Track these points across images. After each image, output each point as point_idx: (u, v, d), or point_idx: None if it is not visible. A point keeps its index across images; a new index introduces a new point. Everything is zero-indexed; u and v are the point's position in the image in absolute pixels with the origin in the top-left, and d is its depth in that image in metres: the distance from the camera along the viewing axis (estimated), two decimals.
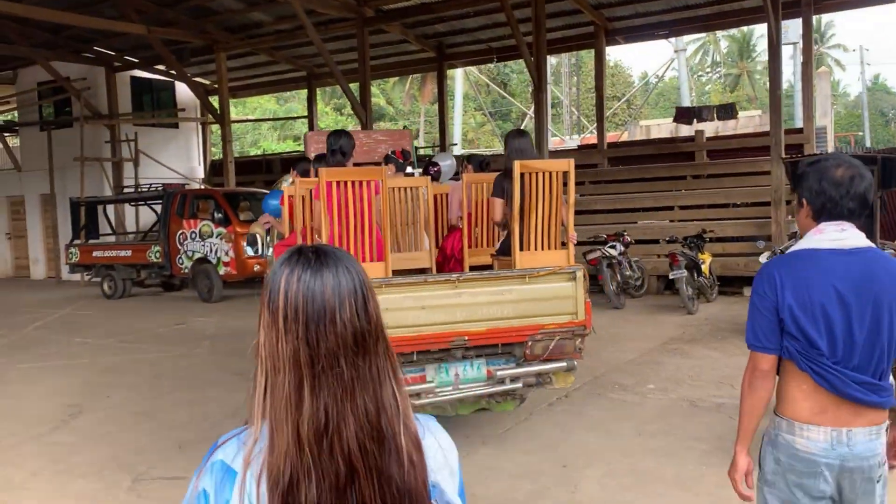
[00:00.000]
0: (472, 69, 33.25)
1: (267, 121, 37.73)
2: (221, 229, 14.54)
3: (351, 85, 16.08)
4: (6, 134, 22.36)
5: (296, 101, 40.17)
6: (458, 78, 33.77)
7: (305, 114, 23.50)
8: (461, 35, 17.74)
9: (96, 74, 20.17)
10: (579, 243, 7.47)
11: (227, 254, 14.44)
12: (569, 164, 5.64)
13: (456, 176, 7.29)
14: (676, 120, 16.71)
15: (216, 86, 19.29)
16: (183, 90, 22.21)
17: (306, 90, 22.01)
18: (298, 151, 25.07)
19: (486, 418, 6.16)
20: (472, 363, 5.46)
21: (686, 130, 17.80)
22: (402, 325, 5.04)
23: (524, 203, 5.54)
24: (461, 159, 7.55)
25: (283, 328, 1.13)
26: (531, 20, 13.94)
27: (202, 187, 20.13)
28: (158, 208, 16.20)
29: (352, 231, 5.24)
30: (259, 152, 33.59)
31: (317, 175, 5.41)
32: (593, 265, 11.83)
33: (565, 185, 5.63)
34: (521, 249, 5.61)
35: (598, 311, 8.91)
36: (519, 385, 5.55)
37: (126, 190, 18.58)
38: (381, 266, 5.33)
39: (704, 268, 11.68)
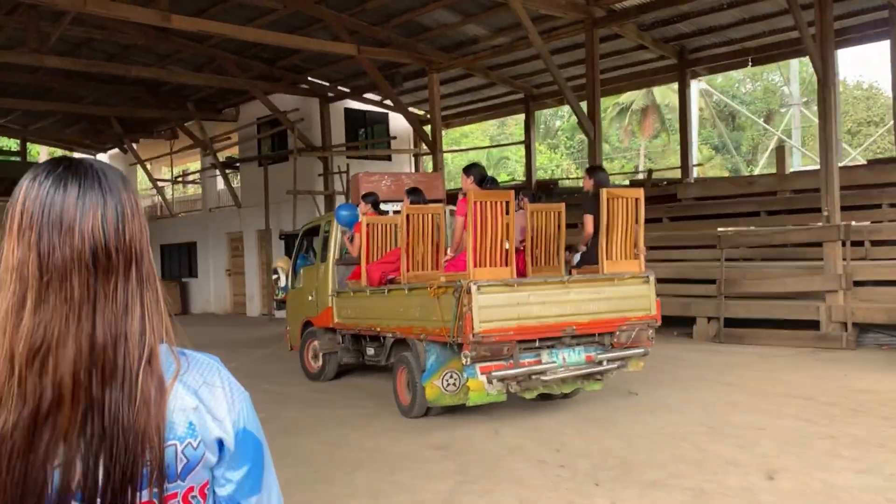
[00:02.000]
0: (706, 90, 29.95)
1: (482, 149, 36.27)
2: None
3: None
4: (228, 171, 22.52)
5: (504, 135, 38.76)
6: (694, 100, 30.48)
7: (520, 139, 21.64)
8: (708, 35, 14.96)
9: (310, 107, 19.62)
10: None
11: None
12: (640, 192, 7.28)
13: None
14: None
15: (429, 115, 17.99)
16: (396, 122, 21.25)
17: (523, 114, 20.11)
18: (513, 180, 23.20)
19: None
20: (574, 349, 6.80)
21: None
22: (528, 316, 6.46)
23: (609, 221, 7.05)
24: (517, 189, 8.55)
25: (17, 237, 1.04)
26: (812, 6, 10.94)
27: None
28: None
29: (487, 242, 6.53)
30: None
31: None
32: None
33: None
34: (608, 258, 7.10)
35: None
36: (612, 366, 6.98)
37: None
38: (507, 270, 6.62)
39: None
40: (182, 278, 24.58)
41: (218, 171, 23.09)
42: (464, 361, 6.40)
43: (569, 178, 27.02)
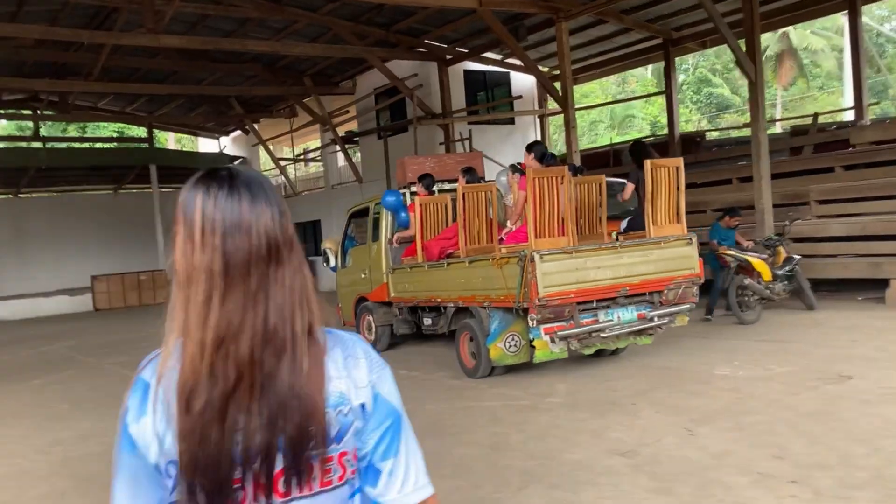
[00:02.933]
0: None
1: (614, 104, 34.18)
2: None
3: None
4: (348, 146, 21.96)
5: (625, 92, 36.51)
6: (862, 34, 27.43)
7: (658, 90, 19.88)
8: None
9: (429, 72, 18.65)
10: None
11: None
12: (679, 161, 7.93)
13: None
14: None
15: (556, 72, 16.63)
16: (518, 83, 19.99)
17: (650, 66, 18.32)
18: (653, 136, 21.46)
19: None
20: (627, 308, 7.42)
21: None
22: (586, 280, 7.09)
23: (653, 189, 7.63)
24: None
25: (201, 241, 1.16)
26: None
27: None
28: None
29: (546, 214, 7.04)
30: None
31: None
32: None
33: None
34: (654, 224, 7.68)
35: None
36: (663, 321, 7.62)
37: None
38: (565, 239, 7.17)
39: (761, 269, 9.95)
40: (308, 257, 24.33)
41: (338, 147, 22.60)
42: (530, 323, 7.07)
43: (716, 130, 24.74)
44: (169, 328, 1.20)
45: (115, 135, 32.49)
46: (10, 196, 27.66)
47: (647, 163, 7.60)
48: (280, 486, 1.17)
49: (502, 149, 18.97)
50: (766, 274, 9.93)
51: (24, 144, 26.51)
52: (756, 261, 10.00)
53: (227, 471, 1.14)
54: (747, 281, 9.92)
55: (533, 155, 8.08)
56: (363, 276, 10.57)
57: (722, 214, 11.16)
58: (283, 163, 25.27)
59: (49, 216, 27.55)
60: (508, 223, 8.30)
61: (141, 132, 28.31)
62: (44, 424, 7.57)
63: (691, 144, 17.11)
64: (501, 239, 7.98)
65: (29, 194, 28.10)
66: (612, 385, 7.00)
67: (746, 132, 18.44)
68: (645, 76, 44.18)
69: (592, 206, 8.36)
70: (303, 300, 1.20)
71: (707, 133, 20.35)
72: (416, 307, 9.46)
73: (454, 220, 8.84)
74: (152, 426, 1.18)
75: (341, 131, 21.88)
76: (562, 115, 21.39)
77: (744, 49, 11.51)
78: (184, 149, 33.64)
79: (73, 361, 12.13)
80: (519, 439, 5.56)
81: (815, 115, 15.12)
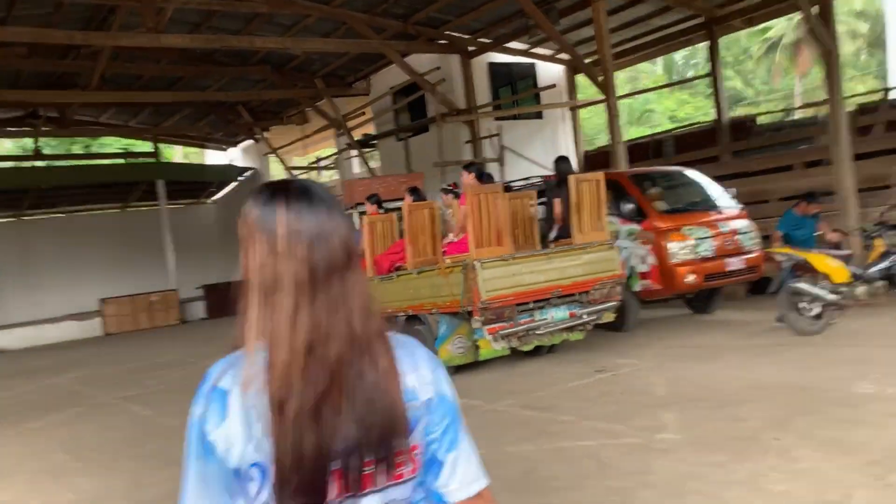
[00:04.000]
0: None
1: (656, 90, 32.62)
2: (632, 226, 10.26)
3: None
4: (365, 150, 20.69)
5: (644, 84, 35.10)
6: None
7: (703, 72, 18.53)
8: None
9: (450, 66, 17.37)
10: None
11: (643, 261, 10.11)
12: (601, 175, 9.09)
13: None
14: None
15: (588, 59, 15.31)
16: (544, 74, 18.70)
17: (707, 42, 16.92)
18: (696, 125, 20.04)
19: None
20: (559, 308, 8.32)
21: None
22: (522, 284, 7.96)
23: (578, 201, 8.68)
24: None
25: (286, 252, 1.21)
26: None
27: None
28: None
29: (485, 227, 7.98)
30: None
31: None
32: None
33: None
34: (580, 232, 8.69)
35: None
36: (592, 318, 8.59)
37: None
38: (502, 248, 8.06)
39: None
40: None
41: (354, 153, 21.37)
42: (475, 325, 7.93)
43: (769, 112, 23.28)
44: (247, 336, 1.22)
45: (120, 151, 31.34)
46: (14, 219, 26.52)
47: (571, 178, 8.87)
48: (366, 481, 1.22)
49: (531, 145, 17.69)
50: (839, 275, 8.28)
51: (25, 164, 25.39)
52: (820, 258, 8.48)
53: (323, 469, 1.19)
54: (802, 284, 8.32)
55: (473, 174, 8.95)
56: None
57: (797, 201, 9.82)
58: (295, 172, 23.99)
59: (55, 238, 26.37)
60: (450, 235, 9.10)
61: (146, 147, 27.13)
62: (37, 484, 6.28)
63: (741, 130, 15.76)
64: (444, 250, 8.76)
65: (33, 216, 26.96)
66: (732, 413, 5.66)
67: (802, 115, 17.13)
68: (655, 71, 42.84)
69: (525, 218, 9.57)
70: (370, 303, 1.28)
71: (758, 117, 18.91)
72: None
73: (401, 236, 9.55)
74: (235, 431, 1.20)
75: (357, 135, 20.62)
76: (590, 108, 20.15)
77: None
78: (191, 162, 32.48)
79: (78, 397, 10.86)
80: (650, 498, 4.22)
81: (886, 90, 13.75)
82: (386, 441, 1.22)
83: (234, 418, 1.20)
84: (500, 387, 7.74)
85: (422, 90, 17.86)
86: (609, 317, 8.92)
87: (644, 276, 10.13)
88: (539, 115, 18.66)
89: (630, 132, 35.69)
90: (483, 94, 17.69)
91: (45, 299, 25.59)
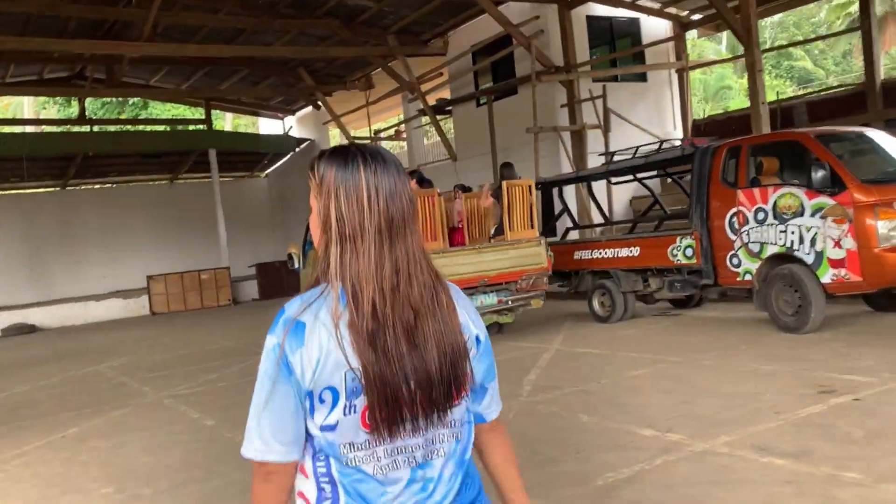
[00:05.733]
0: None
1: (804, 43, 29.24)
2: (823, 200, 7.97)
3: None
4: (439, 117, 18.57)
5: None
6: None
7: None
8: None
9: (546, 17, 15.14)
10: None
11: (837, 243, 7.83)
12: (531, 181, 10.57)
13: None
14: None
15: (709, 11, 12.95)
16: (649, 31, 16.37)
17: None
18: (836, 88, 17.45)
19: None
20: (488, 294, 9.53)
21: None
22: (457, 273, 8.96)
23: (510, 204, 9.91)
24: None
25: (367, 205, 1.37)
26: None
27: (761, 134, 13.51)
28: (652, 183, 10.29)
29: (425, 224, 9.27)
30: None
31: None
32: None
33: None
34: (510, 230, 9.89)
35: None
36: (516, 305, 9.81)
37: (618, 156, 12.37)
38: (437, 243, 9.37)
39: None
40: None
41: (424, 120, 19.30)
42: None
43: None
44: (331, 276, 1.38)
45: (170, 118, 29.70)
46: (57, 189, 25.03)
47: (504, 183, 9.94)
48: (441, 402, 1.39)
49: (633, 110, 15.41)
50: None
51: (71, 129, 23.82)
52: None
53: (411, 392, 1.35)
54: None
55: (415, 180, 9.94)
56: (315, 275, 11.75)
57: None
58: (360, 142, 21.98)
59: (100, 210, 24.87)
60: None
61: (198, 114, 25.38)
62: None
63: None
64: None
65: (77, 186, 25.44)
66: None
67: None
68: (719, 50, 39.86)
69: (480, 217, 10.67)
70: (426, 251, 1.46)
71: None
72: None
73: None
74: (311, 358, 1.34)
75: (430, 101, 18.50)
76: (701, 72, 17.82)
77: None
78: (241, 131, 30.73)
79: (123, 393, 9.00)
80: None
81: None
82: (454, 367, 1.40)
83: (311, 346, 1.34)
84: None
85: (509, 47, 15.71)
86: (538, 303, 10.06)
87: (837, 263, 7.85)
88: (643, 77, 16.36)
89: (707, 108, 33.05)
90: (581, 51, 15.43)
91: (89, 274, 24.11)
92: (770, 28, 38.14)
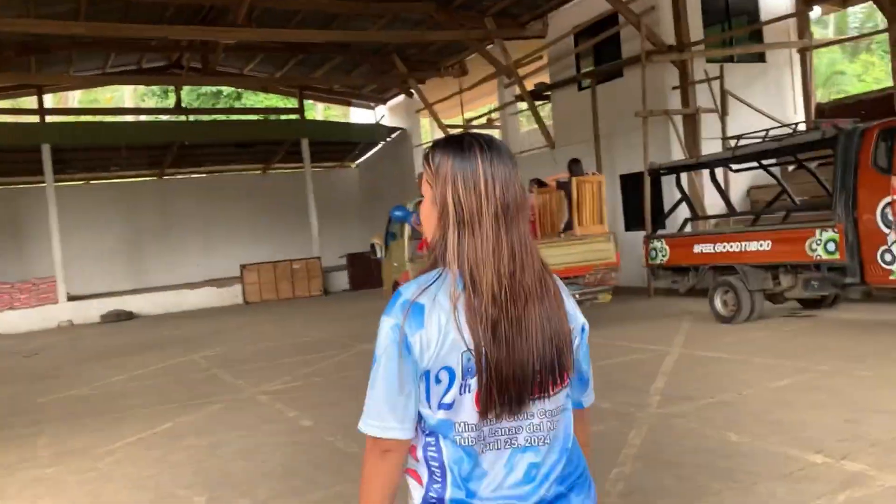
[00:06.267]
0: None
1: None
2: None
3: None
4: (537, 103, 17.76)
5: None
6: None
7: None
8: None
9: None
10: None
11: None
12: (602, 178, 10.93)
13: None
14: None
15: None
16: (767, 8, 15.12)
17: None
18: None
19: None
20: None
21: None
22: None
23: (580, 200, 10.28)
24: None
25: (485, 192, 1.42)
26: None
27: None
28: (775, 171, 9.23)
29: None
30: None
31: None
32: None
33: None
34: (580, 225, 10.30)
35: None
36: (584, 299, 9.83)
37: (745, 141, 11.23)
38: None
39: None
40: None
41: (522, 106, 18.53)
42: None
43: None
44: (449, 259, 1.41)
45: (264, 107, 29.88)
46: (155, 178, 25.43)
47: (573, 180, 10.32)
48: (549, 386, 1.44)
49: (751, 92, 14.22)
50: None
51: (167, 118, 24.13)
52: None
53: (519, 376, 1.39)
54: None
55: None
56: (396, 265, 12.87)
57: None
58: (452, 131, 21.39)
59: (195, 199, 25.16)
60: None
61: (291, 103, 25.33)
62: None
63: None
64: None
65: (174, 175, 25.80)
66: None
67: None
68: (824, 33, 37.37)
69: (553, 212, 10.86)
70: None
71: None
72: None
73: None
74: (430, 338, 1.38)
75: (528, 86, 17.70)
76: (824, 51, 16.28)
77: None
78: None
79: (216, 386, 8.65)
80: None
81: None
82: (560, 354, 1.44)
83: (430, 327, 1.37)
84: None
85: (614, 27, 14.76)
86: (606, 298, 10.39)
87: None
88: (761, 58, 15.13)
89: (819, 95, 30.96)
90: (694, 30, 14.35)
91: (185, 262, 24.42)
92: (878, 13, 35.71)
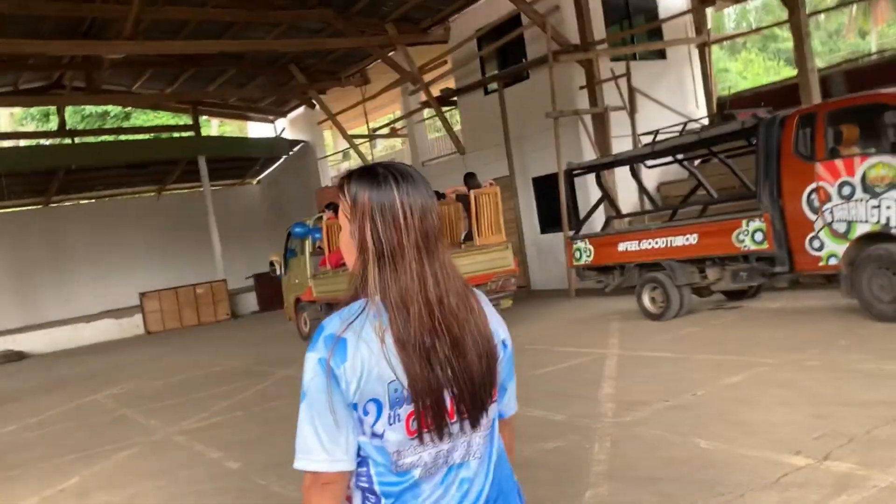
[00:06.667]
0: None
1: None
2: None
3: None
4: (444, 108, 17.47)
5: None
6: None
7: None
8: None
9: None
10: None
11: None
12: (497, 189, 11.20)
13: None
14: None
15: None
16: (666, 6, 15.35)
17: None
18: (879, 53, 16.42)
19: None
20: None
21: None
22: None
23: (478, 211, 10.75)
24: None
25: (404, 224, 1.42)
26: None
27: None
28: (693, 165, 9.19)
29: None
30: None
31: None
32: None
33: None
34: (479, 235, 10.76)
35: None
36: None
37: (663, 136, 11.18)
38: None
39: None
40: None
41: (427, 113, 18.21)
42: None
43: None
44: (370, 294, 1.41)
45: (155, 126, 28.46)
46: (41, 206, 23.77)
47: (471, 192, 10.82)
48: (484, 402, 1.46)
49: (655, 89, 14.37)
50: None
51: (50, 142, 22.60)
52: None
53: (455, 398, 1.41)
54: None
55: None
56: (297, 281, 13.30)
57: None
58: (357, 141, 20.82)
59: (87, 226, 23.66)
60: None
61: (184, 120, 24.20)
62: None
63: None
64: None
65: (61, 202, 24.20)
66: None
67: None
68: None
69: (452, 222, 11.17)
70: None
71: None
72: (331, 303, 10.62)
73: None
74: (353, 372, 1.37)
75: (434, 92, 17.39)
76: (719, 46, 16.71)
77: None
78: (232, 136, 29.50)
79: (126, 428, 7.86)
80: None
81: None
82: (490, 370, 1.47)
83: (354, 361, 1.37)
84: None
85: (518, 29, 14.65)
86: (507, 303, 10.58)
87: None
88: (662, 55, 15.32)
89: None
90: (597, 29, 14.37)
91: (79, 293, 22.90)
92: (755, 12, 37.41)
